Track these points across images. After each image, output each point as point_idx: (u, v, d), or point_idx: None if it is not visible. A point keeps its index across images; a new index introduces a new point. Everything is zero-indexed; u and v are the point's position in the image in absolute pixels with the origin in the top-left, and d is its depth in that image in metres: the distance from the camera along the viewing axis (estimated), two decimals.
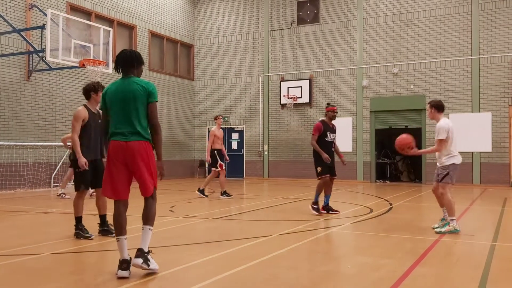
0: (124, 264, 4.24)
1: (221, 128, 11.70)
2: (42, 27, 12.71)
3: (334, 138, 8.57)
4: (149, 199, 4.47)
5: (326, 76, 18.48)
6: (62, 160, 14.39)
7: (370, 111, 17.64)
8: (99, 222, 6.28)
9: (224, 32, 20.70)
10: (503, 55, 15.70)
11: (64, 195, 11.12)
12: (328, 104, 8.75)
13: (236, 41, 20.40)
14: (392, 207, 9.76)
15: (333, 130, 8.58)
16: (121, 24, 17.52)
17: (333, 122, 8.65)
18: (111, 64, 13.65)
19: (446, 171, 6.64)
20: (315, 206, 8.38)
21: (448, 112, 15.20)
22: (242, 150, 20.16)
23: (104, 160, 5.11)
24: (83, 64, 12.71)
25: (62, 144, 12.49)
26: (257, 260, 4.92)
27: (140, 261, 4.23)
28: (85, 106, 6.23)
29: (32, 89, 14.05)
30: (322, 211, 8.43)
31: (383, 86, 17.45)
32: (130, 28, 18.03)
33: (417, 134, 16.98)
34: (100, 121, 6.22)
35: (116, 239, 4.36)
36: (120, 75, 4.59)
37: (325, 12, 18.65)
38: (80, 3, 15.72)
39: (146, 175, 4.37)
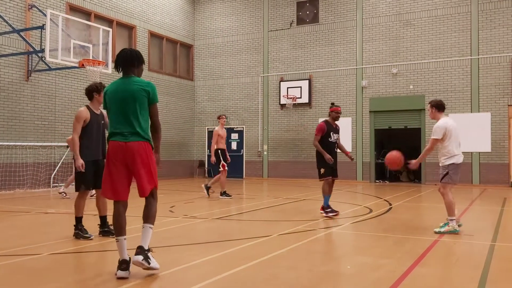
0: (124, 264, 4.23)
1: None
2: (42, 27, 12.71)
3: (337, 139, 8.48)
4: (150, 198, 4.46)
5: (326, 76, 18.48)
6: (61, 160, 14.39)
7: (370, 111, 17.65)
8: (100, 223, 6.27)
9: (223, 32, 20.70)
10: (502, 55, 15.71)
11: (64, 195, 11.15)
12: (332, 104, 8.61)
13: (235, 41, 20.40)
14: (391, 207, 9.76)
15: (336, 130, 8.48)
16: (120, 24, 17.51)
17: (336, 122, 8.59)
18: (111, 64, 13.65)
19: (445, 171, 6.67)
20: (328, 209, 8.15)
21: (448, 112, 15.17)
22: (242, 150, 20.15)
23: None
24: (83, 65, 12.71)
25: (66, 144, 12.49)
26: (257, 260, 4.92)
27: (140, 258, 4.20)
28: (87, 106, 6.24)
29: (32, 89, 14.04)
30: (327, 210, 8.16)
31: (382, 86, 17.45)
32: (129, 28, 18.03)
33: (416, 134, 17.03)
34: (103, 122, 6.23)
35: (116, 239, 4.34)
36: (121, 75, 4.58)
37: (325, 12, 18.65)
38: (79, 3, 15.72)
39: (145, 176, 4.35)
